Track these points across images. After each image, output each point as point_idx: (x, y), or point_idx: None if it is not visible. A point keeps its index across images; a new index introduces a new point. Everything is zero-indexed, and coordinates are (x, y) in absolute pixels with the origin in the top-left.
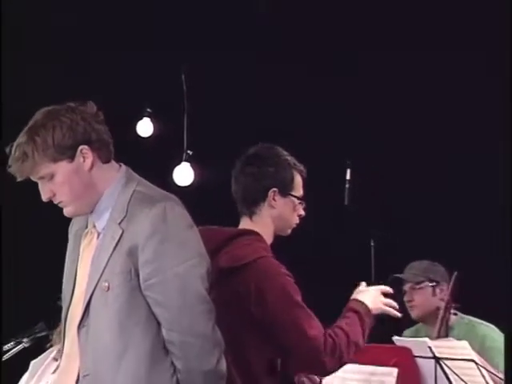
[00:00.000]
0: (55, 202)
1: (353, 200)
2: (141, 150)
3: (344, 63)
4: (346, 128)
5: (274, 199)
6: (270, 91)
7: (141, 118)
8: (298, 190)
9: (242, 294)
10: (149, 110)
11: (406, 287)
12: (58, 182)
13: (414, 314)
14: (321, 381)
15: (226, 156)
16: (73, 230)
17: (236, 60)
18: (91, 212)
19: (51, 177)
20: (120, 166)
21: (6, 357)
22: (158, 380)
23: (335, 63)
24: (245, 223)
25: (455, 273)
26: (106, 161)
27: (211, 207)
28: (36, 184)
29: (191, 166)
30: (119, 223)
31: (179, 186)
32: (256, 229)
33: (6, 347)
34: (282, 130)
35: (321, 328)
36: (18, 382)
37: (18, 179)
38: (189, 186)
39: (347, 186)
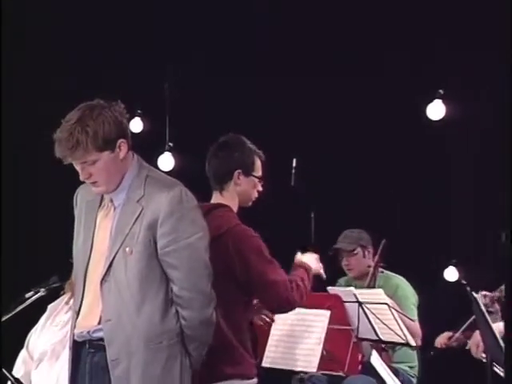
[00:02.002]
0: (88, 182)
1: (297, 181)
2: (132, 143)
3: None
4: (297, 125)
5: (238, 178)
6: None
7: (133, 117)
8: (258, 171)
9: (224, 256)
10: (139, 110)
11: (344, 253)
12: (98, 167)
13: (351, 273)
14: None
15: (201, 148)
16: (81, 198)
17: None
18: None
19: (93, 162)
20: (133, 154)
21: (27, 302)
22: (168, 325)
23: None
24: (216, 197)
25: (383, 241)
26: (129, 150)
27: (188, 188)
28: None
29: (172, 155)
30: (138, 201)
31: (162, 172)
32: (225, 202)
33: (27, 295)
34: (245, 128)
35: (285, 276)
36: (37, 321)
37: (64, 163)
38: (170, 171)
39: (293, 171)
